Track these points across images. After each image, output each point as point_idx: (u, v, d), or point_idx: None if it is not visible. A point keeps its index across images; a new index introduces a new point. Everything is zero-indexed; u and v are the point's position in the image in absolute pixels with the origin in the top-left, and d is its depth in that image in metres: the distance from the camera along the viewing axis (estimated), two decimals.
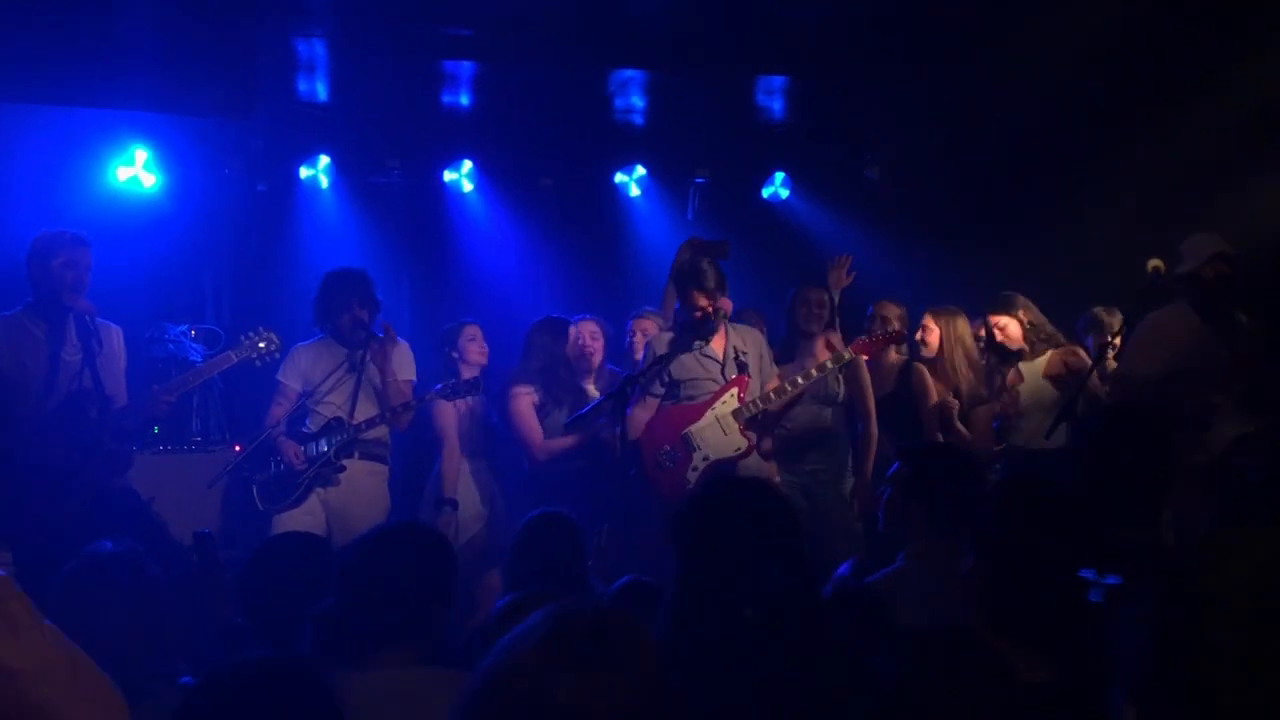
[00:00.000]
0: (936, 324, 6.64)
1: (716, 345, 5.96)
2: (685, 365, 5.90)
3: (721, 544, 2.57)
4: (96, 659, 2.73)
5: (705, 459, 5.85)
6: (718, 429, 5.87)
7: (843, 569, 3.48)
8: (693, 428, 5.87)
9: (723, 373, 5.93)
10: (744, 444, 5.89)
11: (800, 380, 6.01)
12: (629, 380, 5.76)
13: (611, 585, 3.63)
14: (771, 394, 5.96)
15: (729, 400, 5.91)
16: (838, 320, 6.70)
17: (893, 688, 2.14)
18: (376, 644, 2.74)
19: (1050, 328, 6.55)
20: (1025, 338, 6.50)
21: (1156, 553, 2.86)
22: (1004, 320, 6.52)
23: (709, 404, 5.90)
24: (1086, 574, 2.51)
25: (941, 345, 6.60)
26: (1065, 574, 2.46)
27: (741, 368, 5.94)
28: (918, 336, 6.68)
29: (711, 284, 5.84)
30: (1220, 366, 5.61)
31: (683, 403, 5.92)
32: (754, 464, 5.99)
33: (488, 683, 1.55)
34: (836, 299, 6.76)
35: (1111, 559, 2.57)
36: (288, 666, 1.93)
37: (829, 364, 6.09)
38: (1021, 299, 6.58)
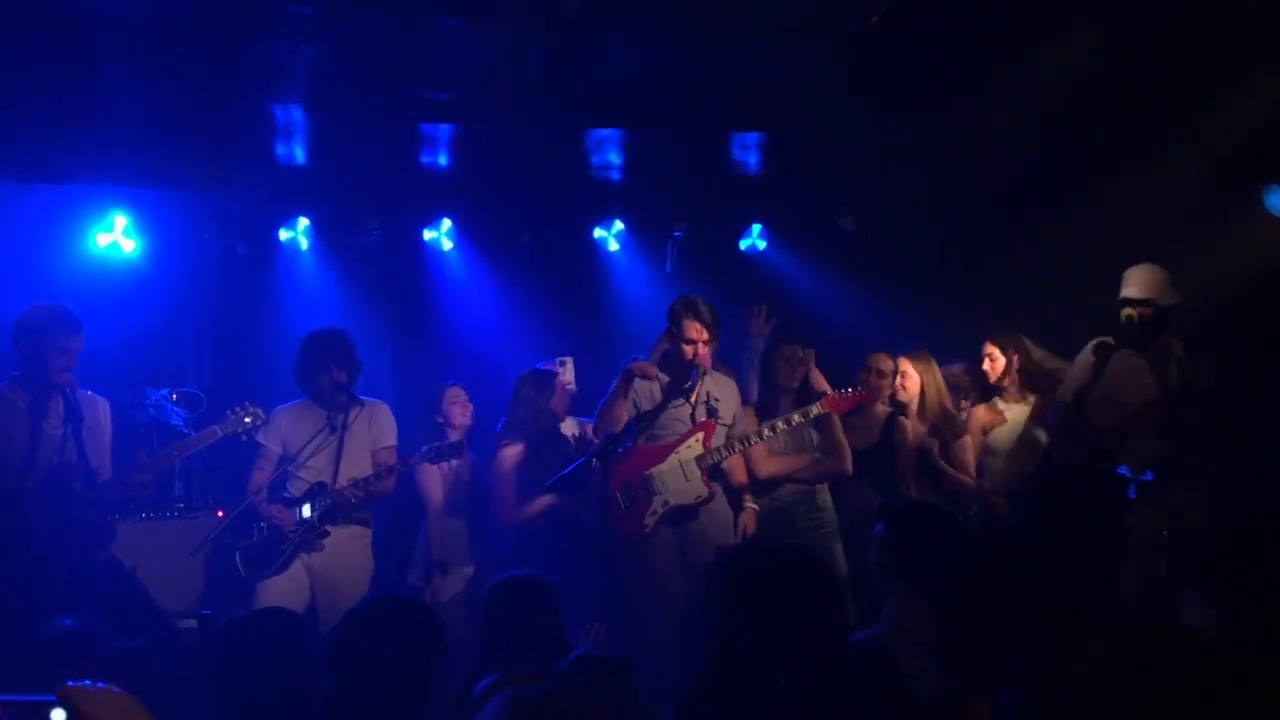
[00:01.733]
0: (914, 369, 6.72)
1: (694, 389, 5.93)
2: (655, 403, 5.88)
3: (764, 610, 2.59)
4: None
5: (665, 503, 5.81)
6: (679, 474, 5.83)
7: None
8: (655, 470, 5.81)
9: (691, 416, 5.89)
10: (704, 492, 5.84)
11: (767, 432, 6.00)
12: (610, 440, 5.75)
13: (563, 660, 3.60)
14: (736, 442, 5.94)
15: (693, 445, 5.87)
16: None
17: None
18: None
19: (1051, 372, 6.60)
20: (1009, 376, 6.56)
21: (1111, 613, 2.89)
22: (995, 351, 6.59)
23: (674, 446, 5.86)
24: (1123, 470, 2.55)
25: (921, 389, 6.67)
26: (1022, 635, 2.50)
27: (710, 412, 5.89)
28: (897, 383, 6.73)
29: (708, 317, 5.84)
30: (1144, 395, 5.75)
31: (648, 442, 5.89)
32: (718, 509, 5.94)
33: None
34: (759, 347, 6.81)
35: (1068, 618, 2.61)
36: None
37: (796, 417, 6.08)
38: (1026, 341, 6.66)
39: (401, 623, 2.87)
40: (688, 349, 5.83)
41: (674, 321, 5.92)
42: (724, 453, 5.90)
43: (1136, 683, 1.40)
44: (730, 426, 6.01)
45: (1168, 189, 7.28)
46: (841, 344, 7.22)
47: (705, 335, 5.84)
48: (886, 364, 6.70)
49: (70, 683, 1.09)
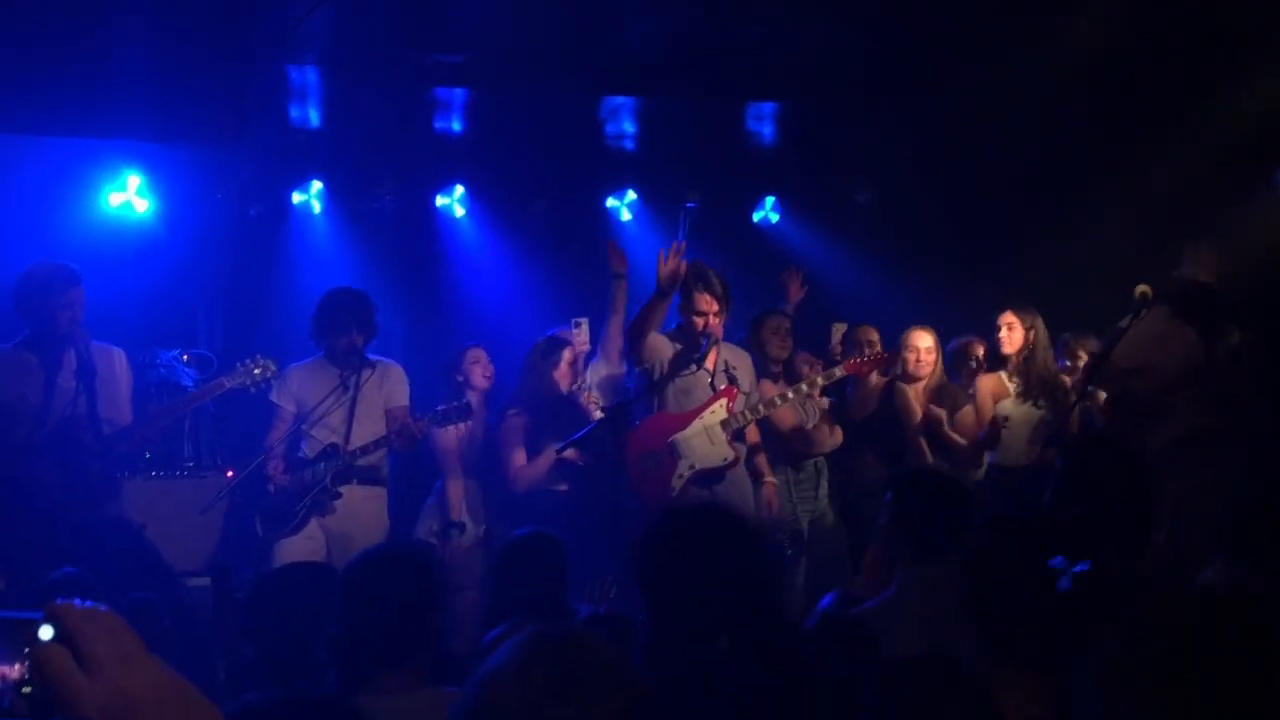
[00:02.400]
0: (934, 342, 6.83)
1: (708, 357, 5.96)
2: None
3: (681, 575, 2.54)
4: None
5: (691, 467, 5.85)
6: (705, 438, 5.87)
7: (825, 600, 3.48)
8: (680, 435, 5.84)
9: (712, 384, 5.91)
10: (731, 454, 5.89)
11: (790, 394, 6.04)
12: (620, 407, 5.76)
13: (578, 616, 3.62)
14: (760, 405, 6.00)
15: (718, 410, 5.91)
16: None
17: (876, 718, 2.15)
18: (385, 666, 2.77)
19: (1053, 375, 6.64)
20: (1023, 350, 6.55)
21: (1139, 584, 2.89)
22: (1015, 321, 6.56)
23: (697, 412, 5.89)
24: (1055, 562, 2.53)
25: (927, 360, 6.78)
26: (1055, 600, 2.48)
27: (731, 380, 5.94)
28: (916, 356, 6.75)
29: (718, 289, 5.85)
30: (1190, 369, 5.74)
31: (670, 410, 5.92)
32: (740, 475, 6.00)
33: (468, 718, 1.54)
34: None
35: (1099, 590, 2.60)
36: (321, 702, 1.91)
37: (820, 380, 6.12)
38: (1038, 316, 6.66)
39: (407, 568, 2.90)
40: (698, 320, 5.84)
41: (684, 293, 5.92)
42: (748, 416, 5.95)
43: (1200, 652, 1.42)
44: (748, 395, 6.04)
45: (1182, 170, 7.27)
46: (854, 317, 7.22)
47: (715, 307, 5.84)
48: (873, 334, 6.79)
49: (59, 600, 1.09)
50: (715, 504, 2.96)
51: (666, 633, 2.52)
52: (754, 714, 2.39)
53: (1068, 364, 6.73)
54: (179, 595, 4.99)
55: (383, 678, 2.75)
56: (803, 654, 2.57)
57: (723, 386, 5.91)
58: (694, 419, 5.88)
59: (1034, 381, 6.50)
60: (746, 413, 5.95)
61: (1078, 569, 2.51)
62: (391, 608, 2.79)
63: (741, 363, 6.07)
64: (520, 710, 1.50)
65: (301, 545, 5.79)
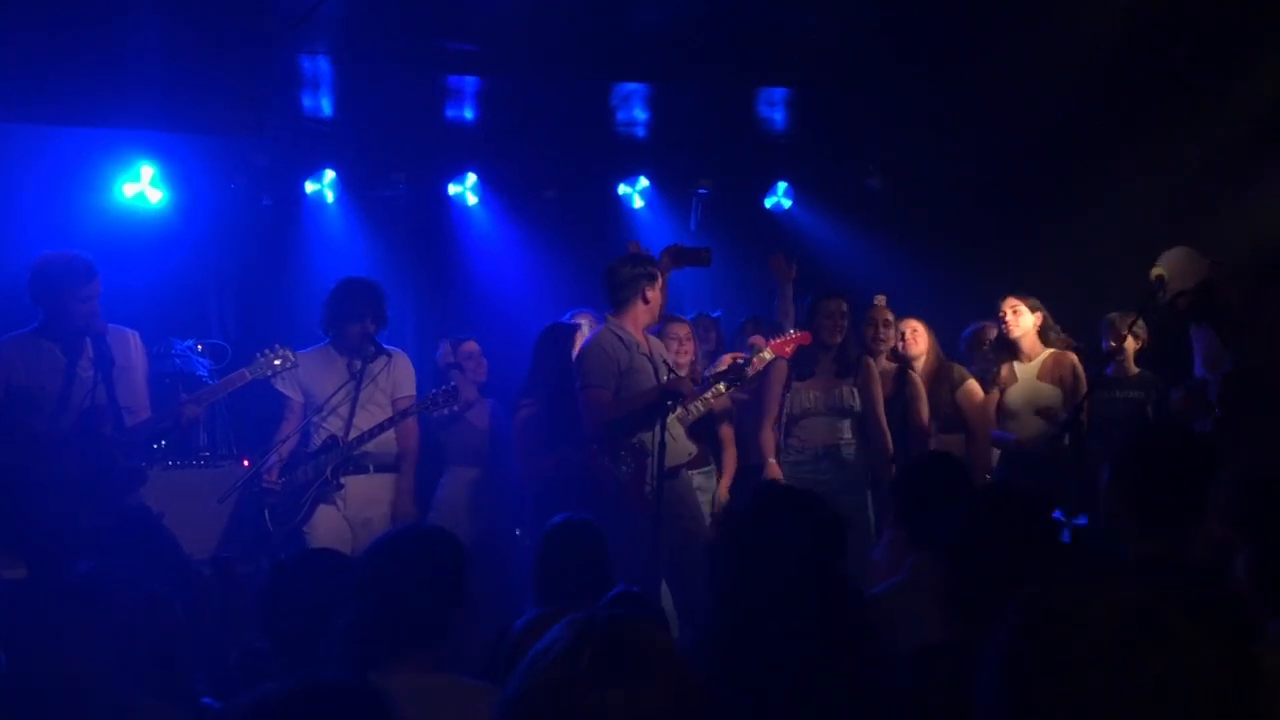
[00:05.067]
0: (923, 327, 6.92)
1: (646, 343, 5.87)
2: (635, 368, 5.76)
3: (771, 556, 2.59)
4: (84, 675, 2.77)
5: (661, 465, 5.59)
6: (668, 436, 5.62)
7: None
8: (643, 435, 5.66)
9: (656, 375, 5.76)
10: (693, 449, 5.80)
11: (722, 387, 5.98)
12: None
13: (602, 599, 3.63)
14: (710, 396, 5.91)
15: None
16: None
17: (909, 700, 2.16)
18: (395, 648, 2.76)
19: (1059, 332, 6.62)
20: (1030, 334, 6.55)
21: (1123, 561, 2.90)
22: (1021, 306, 6.55)
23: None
24: (1056, 515, 2.53)
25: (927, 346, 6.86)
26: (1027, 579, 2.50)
27: (670, 371, 5.78)
28: (909, 338, 6.84)
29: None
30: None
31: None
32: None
33: (514, 706, 1.53)
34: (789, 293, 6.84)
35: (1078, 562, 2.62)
36: (339, 687, 1.90)
37: (748, 369, 6.05)
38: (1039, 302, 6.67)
39: (419, 552, 2.88)
40: (656, 301, 5.82)
41: (650, 276, 5.87)
42: (700, 408, 5.87)
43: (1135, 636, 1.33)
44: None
45: (1201, 151, 7.21)
46: (866, 302, 7.19)
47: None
48: (889, 314, 6.79)
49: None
50: (805, 492, 3.00)
51: (742, 608, 2.54)
52: (827, 690, 2.40)
53: (1111, 345, 6.64)
54: (194, 585, 5.03)
55: (390, 659, 2.73)
56: (873, 630, 2.59)
57: (666, 378, 5.74)
58: None
59: (1049, 365, 6.51)
60: (698, 404, 5.83)
61: (1077, 522, 2.51)
62: (407, 592, 2.78)
63: (659, 350, 5.97)
64: (566, 694, 1.49)
65: (324, 534, 5.80)
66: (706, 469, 6.53)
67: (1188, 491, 3.06)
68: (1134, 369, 6.53)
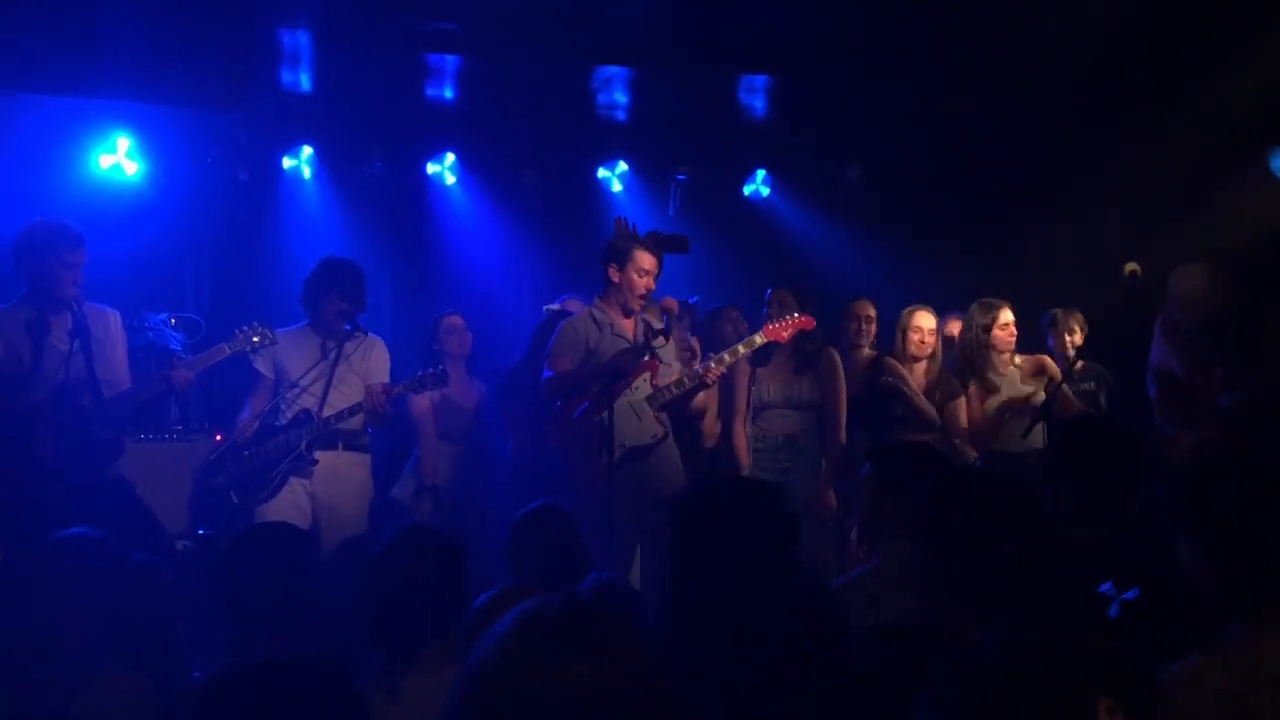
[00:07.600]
0: (925, 320, 6.79)
1: (626, 326, 5.85)
2: (603, 348, 5.78)
3: (720, 545, 2.63)
4: (71, 641, 2.77)
5: (622, 446, 5.61)
6: (632, 416, 5.69)
7: None
8: (604, 415, 5.60)
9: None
10: (659, 430, 5.74)
11: (713, 365, 5.87)
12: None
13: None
14: (685, 379, 5.83)
15: (641, 386, 5.74)
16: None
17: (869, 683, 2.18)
18: (417, 644, 2.93)
19: None
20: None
21: (1100, 552, 2.92)
22: (1011, 318, 6.58)
23: (620, 390, 5.66)
24: (1104, 589, 2.55)
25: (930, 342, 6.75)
26: (1013, 565, 2.53)
27: (652, 351, 5.77)
28: (910, 335, 6.75)
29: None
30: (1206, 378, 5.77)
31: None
32: (670, 449, 5.86)
33: (471, 684, 1.51)
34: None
35: (1055, 555, 2.65)
36: (314, 664, 1.93)
37: (740, 348, 5.98)
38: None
39: (431, 555, 3.04)
40: (640, 281, 5.79)
41: (623, 253, 5.85)
42: (674, 391, 5.79)
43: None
44: (670, 366, 5.92)
45: (1173, 151, 7.27)
46: (841, 293, 7.22)
47: (656, 268, 5.82)
48: (871, 310, 6.74)
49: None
50: (751, 479, 3.09)
51: (694, 596, 2.57)
52: (782, 676, 2.43)
53: (1067, 338, 6.71)
54: (172, 557, 5.00)
55: (414, 655, 2.91)
56: (829, 615, 2.61)
57: (644, 360, 5.74)
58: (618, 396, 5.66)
59: (1028, 368, 6.58)
60: (672, 387, 5.79)
61: (1127, 596, 2.52)
62: (423, 592, 2.96)
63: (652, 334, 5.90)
64: (524, 675, 1.48)
65: (285, 510, 5.78)
66: None
67: (1112, 484, 3.11)
68: (1081, 361, 6.58)
